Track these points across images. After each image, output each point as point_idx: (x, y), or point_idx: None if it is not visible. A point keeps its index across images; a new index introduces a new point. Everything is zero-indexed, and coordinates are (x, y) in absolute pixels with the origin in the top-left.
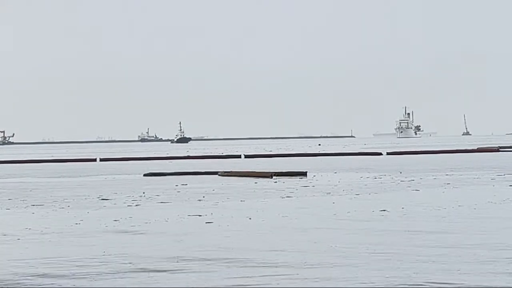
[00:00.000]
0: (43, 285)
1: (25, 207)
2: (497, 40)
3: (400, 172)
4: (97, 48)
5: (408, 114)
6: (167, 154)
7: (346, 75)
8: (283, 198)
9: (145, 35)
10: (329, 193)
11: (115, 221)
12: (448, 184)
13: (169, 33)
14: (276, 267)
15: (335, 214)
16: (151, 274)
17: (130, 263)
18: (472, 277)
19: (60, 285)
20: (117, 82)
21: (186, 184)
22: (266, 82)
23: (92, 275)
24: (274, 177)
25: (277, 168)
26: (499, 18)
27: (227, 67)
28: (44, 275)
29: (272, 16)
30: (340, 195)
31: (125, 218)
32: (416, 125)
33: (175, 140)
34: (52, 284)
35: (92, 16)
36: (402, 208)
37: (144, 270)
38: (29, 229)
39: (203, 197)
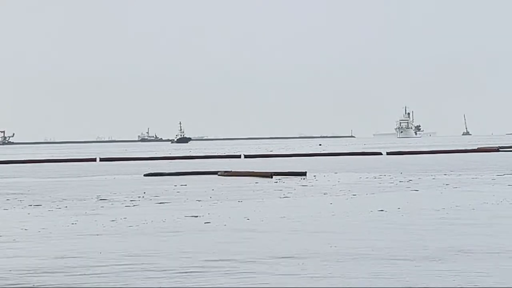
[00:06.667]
0: (39, 284)
1: (22, 208)
2: (497, 39)
3: (401, 173)
4: (97, 48)
5: (408, 114)
6: (169, 154)
7: (346, 75)
8: (282, 198)
9: (145, 35)
10: (328, 193)
11: (112, 221)
12: (447, 184)
13: (169, 33)
14: (275, 267)
15: (333, 215)
16: (149, 273)
17: (126, 263)
18: (470, 278)
19: (56, 285)
20: (117, 82)
21: (186, 185)
22: (266, 82)
23: (88, 275)
24: (274, 177)
25: (277, 168)
26: (499, 17)
27: (227, 67)
28: (40, 276)
29: (272, 16)
30: (338, 195)
31: (122, 219)
32: (416, 125)
33: (175, 140)
34: (48, 284)
35: (91, 17)
36: (399, 208)
37: (142, 270)
38: (26, 229)
39: (203, 197)
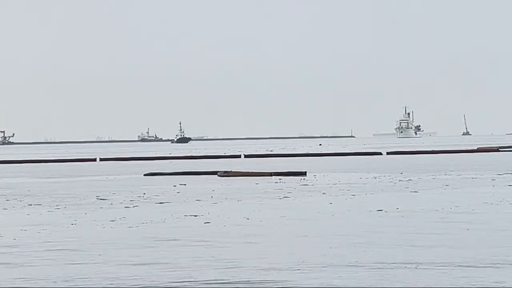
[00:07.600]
0: (38, 285)
1: (21, 208)
2: (497, 39)
3: (401, 173)
4: (97, 48)
5: (408, 114)
6: (169, 154)
7: (346, 75)
8: (282, 198)
9: (145, 35)
10: (328, 193)
11: (111, 222)
12: (447, 185)
13: (169, 33)
14: (274, 267)
15: (333, 215)
16: (148, 274)
17: (126, 264)
18: (468, 278)
19: (55, 285)
20: (117, 82)
21: (185, 185)
22: (266, 82)
23: (88, 276)
24: (273, 177)
25: (277, 168)
26: (499, 17)
27: (227, 67)
28: (38, 276)
29: (272, 16)
30: (338, 195)
31: (122, 219)
32: (416, 125)
33: (175, 140)
34: (47, 285)
35: (91, 17)
36: (397, 208)
37: (142, 270)
38: (25, 230)
39: (203, 197)
